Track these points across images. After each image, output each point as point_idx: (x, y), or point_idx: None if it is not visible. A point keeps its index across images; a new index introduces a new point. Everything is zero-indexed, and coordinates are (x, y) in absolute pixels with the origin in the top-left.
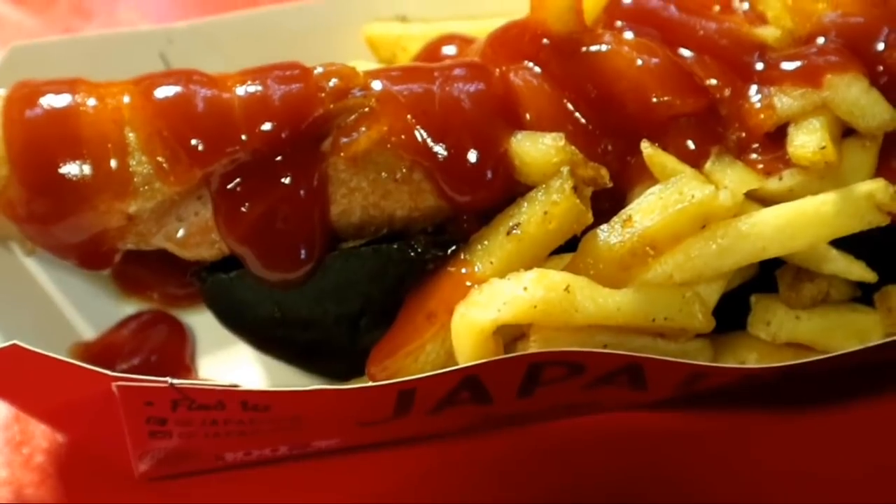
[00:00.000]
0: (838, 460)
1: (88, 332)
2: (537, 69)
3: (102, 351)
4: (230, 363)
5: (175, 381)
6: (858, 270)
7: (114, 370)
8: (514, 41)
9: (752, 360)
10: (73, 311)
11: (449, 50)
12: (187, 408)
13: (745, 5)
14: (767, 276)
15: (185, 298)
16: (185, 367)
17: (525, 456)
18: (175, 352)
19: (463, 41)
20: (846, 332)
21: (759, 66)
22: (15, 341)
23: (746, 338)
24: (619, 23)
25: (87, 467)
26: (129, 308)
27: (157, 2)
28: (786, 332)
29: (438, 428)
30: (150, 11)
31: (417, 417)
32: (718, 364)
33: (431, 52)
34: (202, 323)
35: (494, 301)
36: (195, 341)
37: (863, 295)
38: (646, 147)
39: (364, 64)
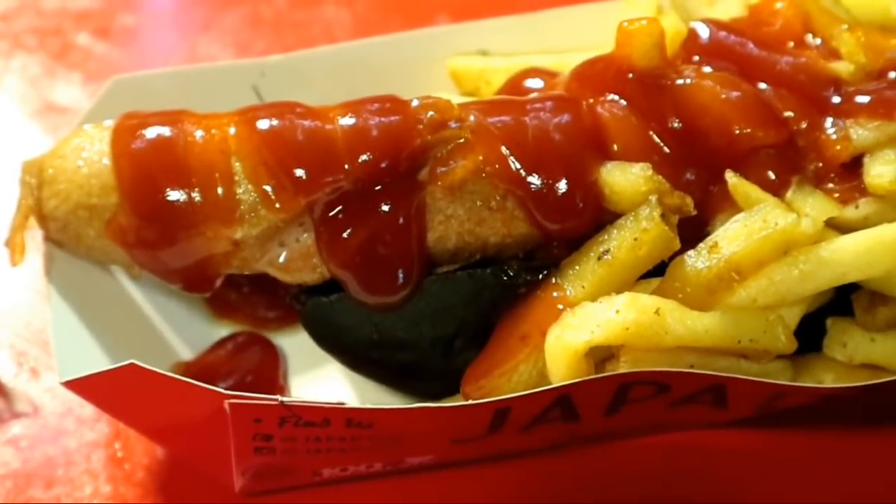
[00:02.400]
0: None
1: (186, 353)
2: (623, 102)
3: (201, 371)
4: (321, 383)
5: (285, 398)
6: None
7: None
8: (599, 75)
9: (828, 380)
10: (171, 332)
11: (532, 83)
12: (294, 424)
13: (819, 41)
14: (843, 300)
15: (275, 321)
16: (278, 386)
17: (606, 473)
18: (269, 371)
19: (546, 74)
20: None
21: (835, 99)
22: (133, 360)
23: (823, 359)
24: (696, 57)
25: (187, 483)
26: (223, 330)
27: (234, 35)
28: (861, 354)
29: (526, 445)
30: (229, 44)
31: (509, 435)
32: (797, 384)
33: (515, 84)
34: (292, 344)
35: (588, 323)
36: (287, 361)
37: None
38: (731, 177)
39: (451, 97)
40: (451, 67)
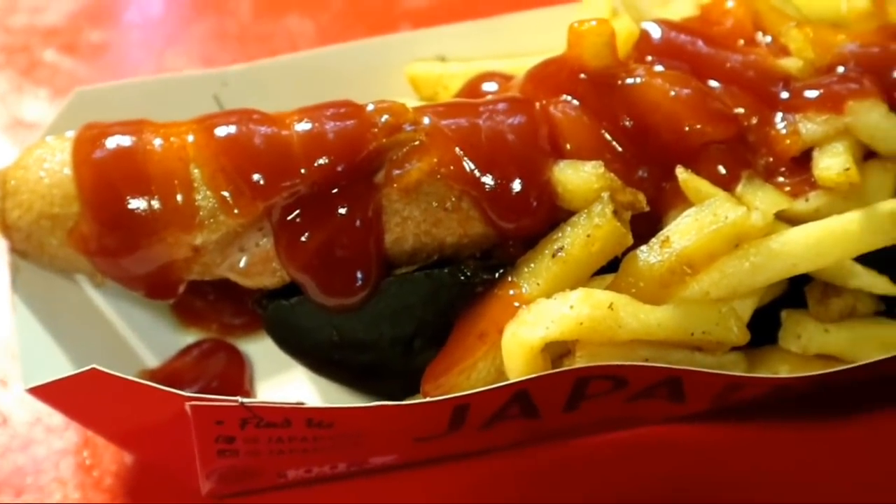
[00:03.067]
0: (865, 468)
1: (152, 361)
2: (575, 102)
3: (166, 377)
4: (286, 387)
5: (245, 400)
6: (882, 285)
7: None
8: (552, 76)
9: (784, 371)
10: (137, 340)
11: (489, 86)
12: (255, 426)
13: (769, 39)
14: (797, 293)
15: (241, 328)
16: (244, 391)
17: (568, 469)
18: (235, 377)
19: (502, 78)
20: (873, 344)
21: (784, 94)
22: (94, 366)
23: (778, 351)
24: (649, 57)
25: (155, 487)
26: (189, 338)
27: (201, 48)
28: (816, 345)
29: (488, 443)
30: (195, 57)
31: (469, 433)
32: (752, 374)
33: (472, 89)
34: (257, 350)
35: (543, 320)
36: (252, 367)
37: (887, 309)
38: (681, 172)
39: (409, 101)
40: (409, 74)
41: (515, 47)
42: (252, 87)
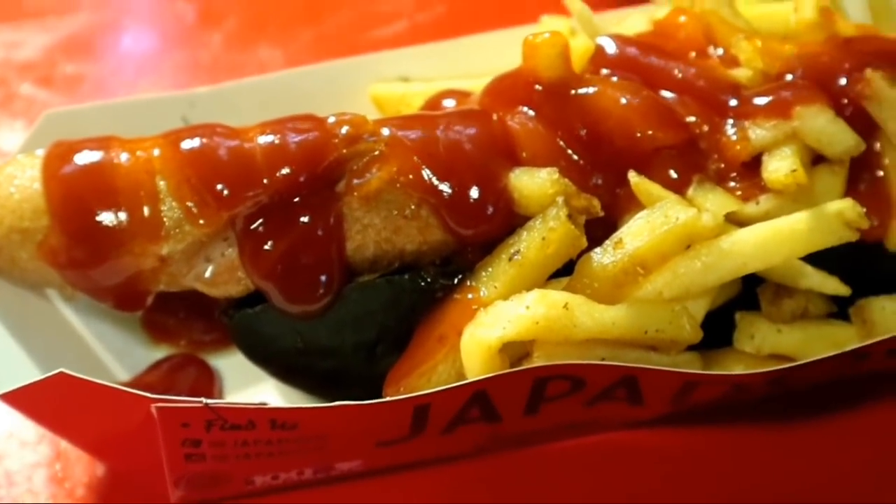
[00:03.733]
0: (823, 469)
1: (123, 375)
2: (531, 112)
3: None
4: (254, 398)
5: (209, 401)
6: (833, 285)
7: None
8: (509, 89)
9: (738, 370)
10: (108, 355)
11: (449, 103)
12: (220, 427)
13: (720, 51)
14: (750, 294)
15: (210, 343)
16: None
17: (532, 476)
18: (204, 390)
19: (461, 95)
20: (824, 343)
21: (734, 102)
22: (62, 369)
23: (733, 352)
24: (604, 70)
25: (125, 497)
26: (160, 353)
27: (174, 78)
28: (769, 345)
29: (452, 449)
30: (168, 87)
31: (432, 437)
32: (707, 372)
33: (432, 106)
34: (227, 364)
35: (500, 320)
36: (222, 381)
37: (840, 310)
38: (633, 177)
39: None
40: (372, 93)
41: (475, 67)
42: (219, 107)
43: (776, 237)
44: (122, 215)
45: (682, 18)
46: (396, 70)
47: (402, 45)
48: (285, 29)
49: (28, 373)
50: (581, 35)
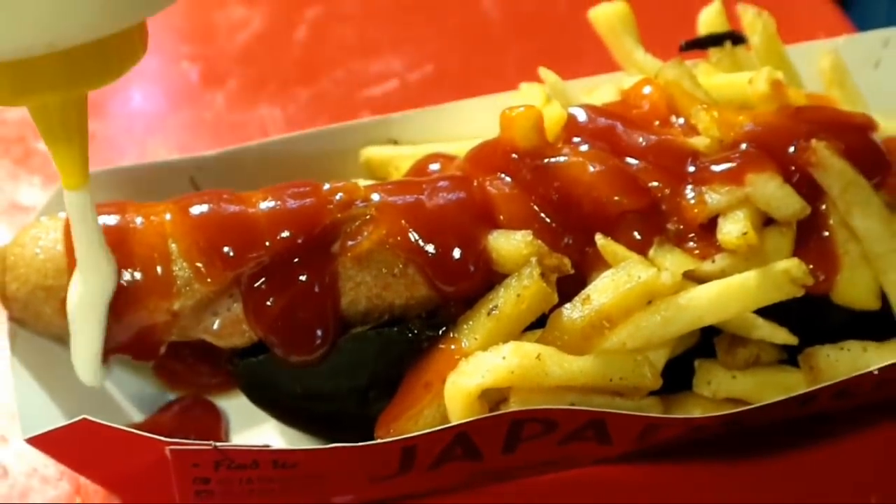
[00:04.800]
0: (771, 497)
1: (137, 416)
2: (508, 179)
3: (150, 430)
4: (258, 437)
5: (217, 444)
6: (782, 335)
7: None
8: (488, 157)
9: (697, 413)
10: (124, 398)
11: (434, 166)
12: (227, 467)
13: (681, 120)
14: (708, 344)
15: (217, 386)
16: (220, 441)
17: None
18: (212, 430)
19: (446, 158)
20: (775, 388)
21: (692, 169)
22: (85, 416)
23: (692, 396)
24: (576, 138)
25: None
26: (171, 395)
27: (179, 136)
28: (724, 390)
29: (438, 483)
30: (173, 145)
31: (420, 474)
32: (667, 415)
33: (419, 169)
34: (232, 406)
35: (479, 369)
36: (228, 421)
37: (790, 357)
38: (599, 239)
39: (364, 182)
40: (364, 157)
41: (459, 131)
42: (224, 170)
43: (729, 293)
44: (138, 275)
45: (647, 89)
46: (386, 134)
47: (392, 102)
48: (283, 89)
49: (50, 414)
50: (554, 103)
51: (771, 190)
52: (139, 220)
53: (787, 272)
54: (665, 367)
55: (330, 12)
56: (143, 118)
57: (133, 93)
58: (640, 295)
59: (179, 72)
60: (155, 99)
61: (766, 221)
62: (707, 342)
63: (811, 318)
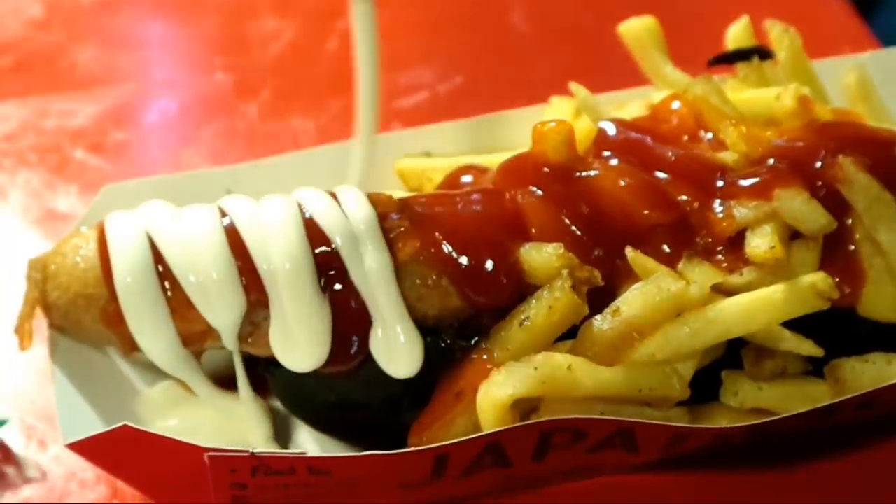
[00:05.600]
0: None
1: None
2: (539, 192)
3: None
4: (293, 445)
5: (255, 450)
6: (808, 347)
7: None
8: (520, 170)
9: (724, 423)
10: None
11: (466, 178)
12: (264, 473)
13: (710, 135)
14: (735, 355)
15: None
16: None
17: None
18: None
19: (478, 171)
20: (801, 399)
21: (721, 183)
22: (126, 422)
23: (719, 406)
24: (606, 152)
25: None
26: None
27: (213, 146)
28: (751, 400)
29: (469, 490)
30: (207, 154)
31: (451, 481)
32: (695, 425)
33: (452, 180)
34: None
35: (511, 380)
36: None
37: (815, 369)
38: (629, 252)
39: (397, 192)
40: (397, 167)
41: (490, 143)
42: (260, 180)
43: (756, 306)
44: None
45: (676, 105)
46: (420, 146)
47: (423, 114)
48: (315, 100)
49: (89, 419)
50: (584, 117)
51: (798, 205)
52: None
53: (813, 286)
54: (693, 377)
55: None
56: (176, 129)
57: (167, 104)
58: (669, 307)
59: (213, 83)
60: (189, 110)
61: (792, 235)
62: (734, 354)
63: (838, 330)
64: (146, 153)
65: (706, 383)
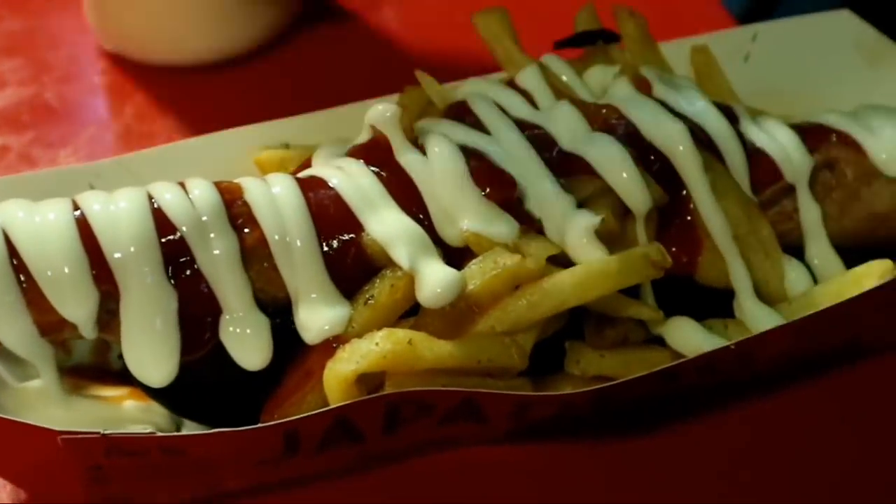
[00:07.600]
0: (648, 475)
1: None
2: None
3: None
4: None
5: (106, 431)
6: (647, 312)
7: None
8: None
9: (567, 391)
10: None
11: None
12: (118, 454)
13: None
14: (579, 326)
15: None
16: None
17: (396, 488)
18: None
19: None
20: (642, 366)
21: (556, 158)
22: None
23: (563, 375)
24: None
25: None
26: None
27: (90, 149)
28: (593, 368)
29: (326, 467)
30: (83, 157)
31: (307, 457)
32: (538, 393)
33: (305, 168)
34: None
35: (354, 356)
36: None
37: (655, 337)
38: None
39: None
40: (255, 158)
41: (346, 133)
42: (124, 176)
43: (590, 277)
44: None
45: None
46: (278, 138)
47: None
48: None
49: None
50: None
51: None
52: None
53: (646, 256)
54: (537, 349)
55: None
56: (55, 131)
57: (49, 106)
58: (507, 280)
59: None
60: (69, 112)
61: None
62: (578, 324)
63: (679, 297)
64: (25, 156)
65: (552, 355)
